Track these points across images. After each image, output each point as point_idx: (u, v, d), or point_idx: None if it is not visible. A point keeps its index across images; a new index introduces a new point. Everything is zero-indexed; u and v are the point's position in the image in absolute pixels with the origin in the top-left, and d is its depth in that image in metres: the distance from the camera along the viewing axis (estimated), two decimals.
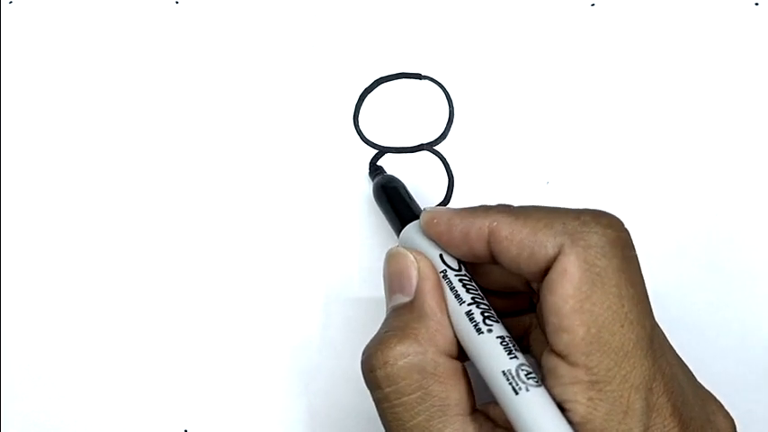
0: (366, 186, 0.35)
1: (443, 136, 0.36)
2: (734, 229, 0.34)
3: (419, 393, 0.24)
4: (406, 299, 0.26)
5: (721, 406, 0.26)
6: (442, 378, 0.25)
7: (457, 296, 0.26)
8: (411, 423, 0.24)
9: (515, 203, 0.35)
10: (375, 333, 0.26)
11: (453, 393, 0.25)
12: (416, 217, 0.29)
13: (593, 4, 0.36)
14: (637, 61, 0.36)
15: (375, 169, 0.35)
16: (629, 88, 0.35)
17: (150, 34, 0.37)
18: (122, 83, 0.37)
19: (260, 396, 0.34)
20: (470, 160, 0.35)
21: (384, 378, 0.25)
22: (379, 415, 0.25)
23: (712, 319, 0.34)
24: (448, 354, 0.25)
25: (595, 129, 0.35)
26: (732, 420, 0.26)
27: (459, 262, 0.27)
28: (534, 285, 0.26)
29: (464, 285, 0.26)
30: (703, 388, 0.26)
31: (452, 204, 0.35)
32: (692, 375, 0.26)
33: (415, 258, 0.27)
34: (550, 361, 0.23)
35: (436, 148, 0.35)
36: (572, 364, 0.23)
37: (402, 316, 0.26)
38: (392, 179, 0.33)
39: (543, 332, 0.25)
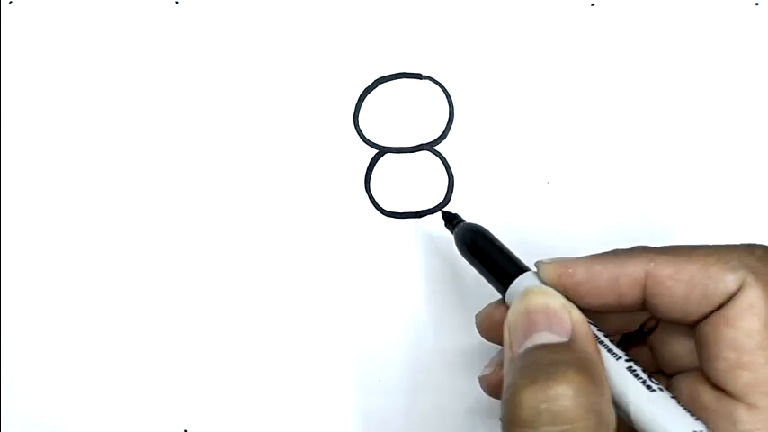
0: (361, 196, 0.35)
1: (443, 136, 0.36)
2: (734, 230, 0.34)
3: None
4: (558, 339, 0.23)
5: None
6: (611, 430, 0.22)
7: (609, 351, 0.24)
8: None
9: (515, 203, 0.35)
10: (505, 366, 0.24)
11: None
12: (521, 269, 0.27)
13: (593, 4, 0.36)
14: (637, 61, 0.36)
15: (452, 218, 0.32)
16: (629, 88, 0.35)
17: (150, 34, 0.37)
18: (122, 83, 0.37)
19: (260, 396, 0.34)
20: (470, 160, 0.35)
21: (559, 413, 0.21)
22: None
23: None
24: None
25: (595, 129, 0.35)
26: None
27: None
28: (656, 326, 0.26)
29: (611, 340, 0.24)
30: None
31: (452, 204, 0.35)
32: None
33: (566, 302, 0.25)
34: (722, 404, 0.22)
35: (436, 148, 0.35)
36: (752, 405, 0.21)
37: (562, 353, 0.23)
38: (479, 227, 0.30)
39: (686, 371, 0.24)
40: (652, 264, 0.24)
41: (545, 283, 0.26)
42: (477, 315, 0.30)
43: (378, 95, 0.36)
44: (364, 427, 0.34)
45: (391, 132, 0.36)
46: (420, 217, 0.35)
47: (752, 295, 0.22)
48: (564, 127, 0.35)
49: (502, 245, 0.29)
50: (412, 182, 0.35)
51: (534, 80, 0.36)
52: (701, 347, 0.23)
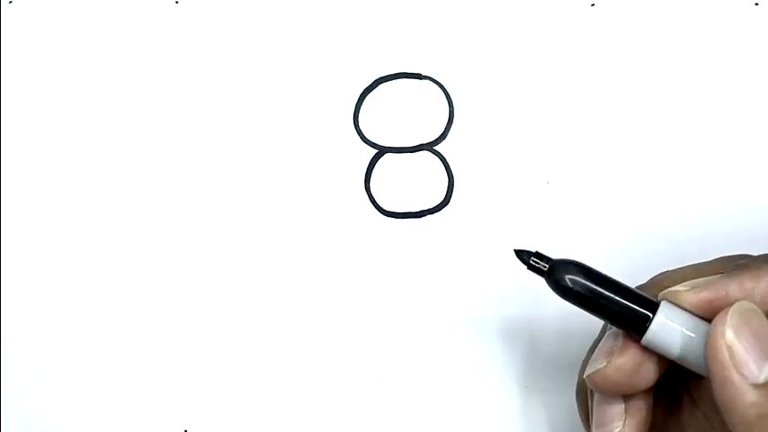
0: (361, 195, 0.35)
1: (443, 136, 0.36)
2: (734, 230, 0.34)
3: None
4: None
5: None
6: None
7: None
8: None
9: (515, 204, 0.35)
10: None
11: None
12: (652, 303, 0.25)
13: (593, 4, 0.36)
14: (637, 61, 0.36)
15: (537, 258, 0.26)
16: (628, 88, 0.35)
17: (150, 34, 0.37)
18: (122, 83, 0.36)
19: (260, 396, 0.34)
20: (470, 160, 0.35)
21: None
22: None
23: None
24: None
25: (595, 129, 0.35)
26: None
27: None
28: None
29: None
30: None
31: (453, 204, 0.35)
32: None
33: None
34: None
35: (436, 148, 0.35)
36: None
37: None
38: (577, 263, 0.26)
39: None
40: None
41: (686, 310, 0.24)
42: (592, 374, 0.26)
43: (378, 95, 0.36)
44: (364, 427, 0.34)
45: (391, 132, 0.36)
46: (420, 217, 0.35)
47: None
48: (564, 127, 0.35)
49: (610, 278, 0.25)
50: (412, 182, 0.35)
51: (534, 80, 0.36)
52: None
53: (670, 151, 0.35)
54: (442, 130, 0.36)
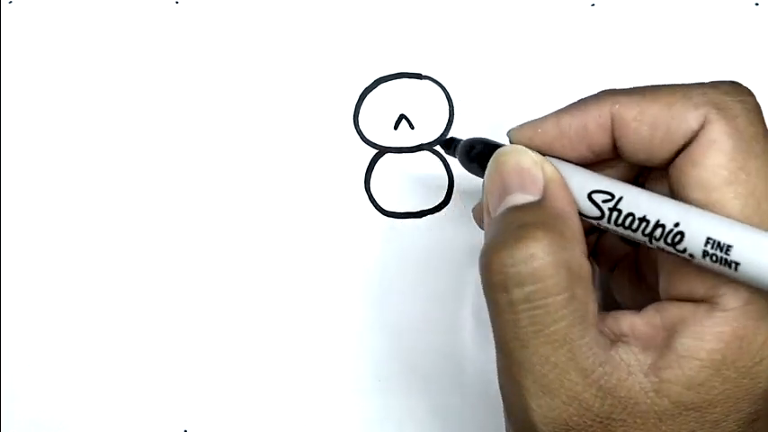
0: (360, 186, 0.35)
1: (443, 136, 0.36)
2: None
3: (566, 295, 0.21)
4: (531, 198, 0.23)
5: None
6: (584, 282, 0.22)
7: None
8: (551, 329, 0.21)
9: None
10: (489, 238, 0.24)
11: (591, 300, 0.22)
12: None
13: (593, 4, 0.36)
14: (637, 61, 0.36)
15: (452, 141, 0.31)
16: None
17: (150, 34, 0.37)
18: (122, 83, 0.37)
19: (260, 396, 0.34)
20: None
21: (528, 275, 0.21)
22: (503, 323, 0.22)
23: None
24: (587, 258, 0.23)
25: None
26: None
27: None
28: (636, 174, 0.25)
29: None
30: None
31: (453, 204, 0.35)
32: None
33: (538, 158, 0.24)
34: None
35: (436, 148, 0.35)
36: None
37: (533, 213, 0.23)
38: (478, 137, 0.29)
39: None
40: (617, 106, 0.23)
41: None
42: (473, 208, 0.29)
43: (378, 95, 0.36)
44: (364, 427, 0.34)
45: (391, 132, 0.36)
46: (420, 217, 0.35)
47: (714, 131, 0.21)
48: None
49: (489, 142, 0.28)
50: (412, 182, 0.35)
51: (534, 80, 0.36)
52: (674, 193, 0.22)
53: None
54: (442, 130, 0.36)
